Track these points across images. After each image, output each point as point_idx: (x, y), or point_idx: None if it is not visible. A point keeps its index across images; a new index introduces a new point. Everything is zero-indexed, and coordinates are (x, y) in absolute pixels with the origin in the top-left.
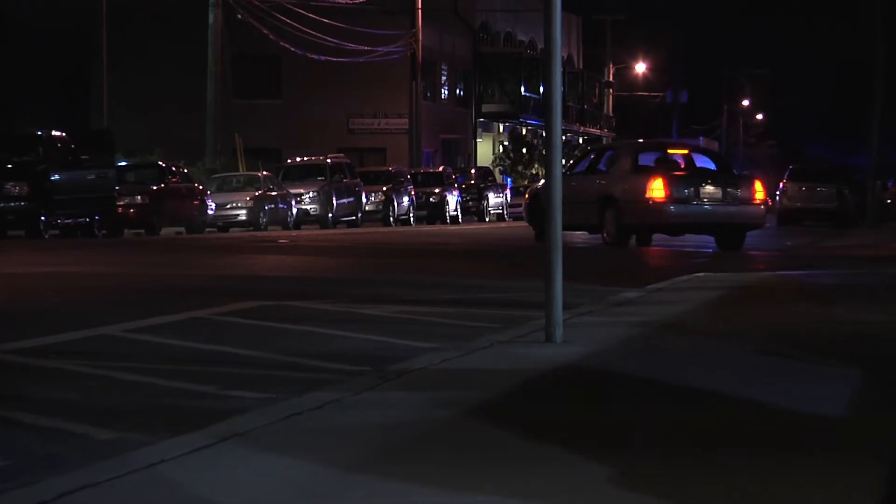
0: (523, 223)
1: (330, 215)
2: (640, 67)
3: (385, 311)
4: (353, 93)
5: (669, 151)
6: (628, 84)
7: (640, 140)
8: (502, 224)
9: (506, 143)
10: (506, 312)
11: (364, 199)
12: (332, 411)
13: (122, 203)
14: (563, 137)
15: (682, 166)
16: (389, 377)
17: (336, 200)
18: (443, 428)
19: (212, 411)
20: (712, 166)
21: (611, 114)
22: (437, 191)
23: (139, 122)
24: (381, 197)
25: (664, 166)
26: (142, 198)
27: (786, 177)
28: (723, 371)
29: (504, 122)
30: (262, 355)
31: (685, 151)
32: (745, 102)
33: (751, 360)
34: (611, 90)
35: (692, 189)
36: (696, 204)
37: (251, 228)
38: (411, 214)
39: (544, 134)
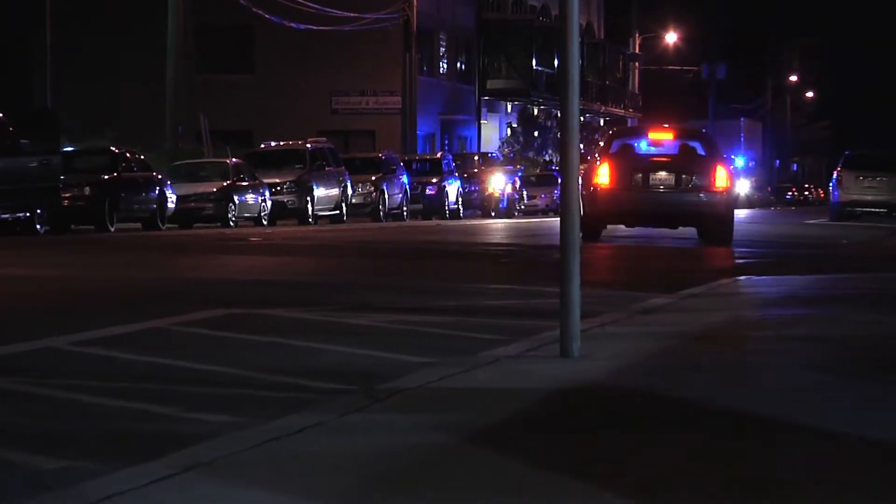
0: (535, 218)
1: (310, 209)
2: (671, 37)
3: (374, 321)
4: (338, 67)
5: (651, 135)
6: (657, 57)
7: (628, 125)
8: (510, 220)
9: (515, 125)
10: (514, 322)
11: (350, 191)
12: (312, 437)
13: (67, 195)
14: (582, 118)
15: (655, 152)
16: (379, 397)
17: (317, 192)
18: (440, 457)
19: (173, 437)
20: (702, 152)
21: (637, 91)
22: (434, 180)
23: (88, 100)
24: (369, 188)
25: (627, 152)
26: (91, 188)
27: (840, 164)
28: (770, 392)
29: (513, 101)
30: (231, 371)
31: (670, 135)
32: (794, 78)
33: (802, 378)
34: (637, 64)
35: (640, 175)
36: (647, 192)
37: (218, 224)
38: (405, 208)
39: (559, 114)
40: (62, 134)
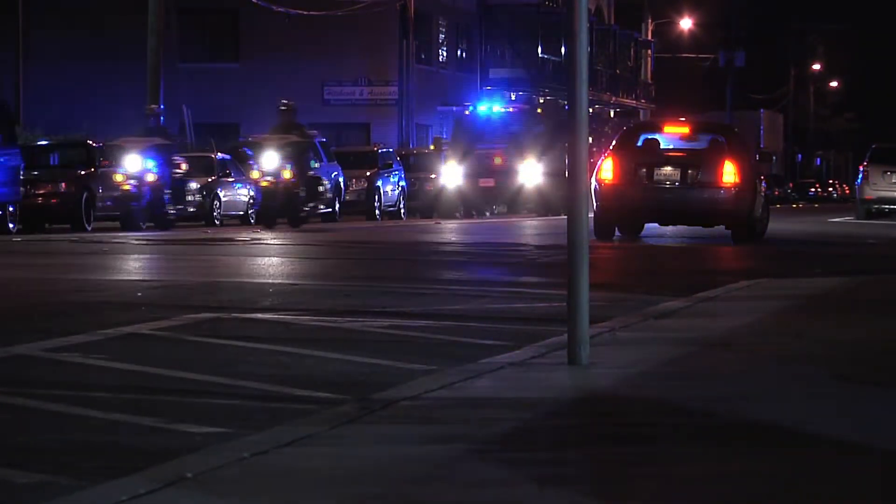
0: (542, 218)
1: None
2: (686, 23)
3: (369, 326)
4: (329, 55)
5: (667, 129)
6: (671, 44)
7: (649, 119)
8: (515, 217)
9: None
10: (519, 327)
11: (342, 187)
12: (302, 450)
13: (41, 191)
14: (591, 110)
15: (665, 146)
16: (374, 408)
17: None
18: (438, 472)
19: (154, 450)
20: (715, 145)
21: (650, 80)
22: (433, 176)
23: (62, 91)
24: (363, 184)
25: (643, 146)
26: (66, 184)
27: (867, 159)
28: (791, 403)
29: (517, 91)
30: (217, 380)
31: (686, 130)
32: (817, 66)
33: (825, 387)
34: (649, 51)
35: (645, 170)
36: (651, 188)
37: (202, 223)
38: (402, 205)
39: (567, 105)
40: (37, 127)
